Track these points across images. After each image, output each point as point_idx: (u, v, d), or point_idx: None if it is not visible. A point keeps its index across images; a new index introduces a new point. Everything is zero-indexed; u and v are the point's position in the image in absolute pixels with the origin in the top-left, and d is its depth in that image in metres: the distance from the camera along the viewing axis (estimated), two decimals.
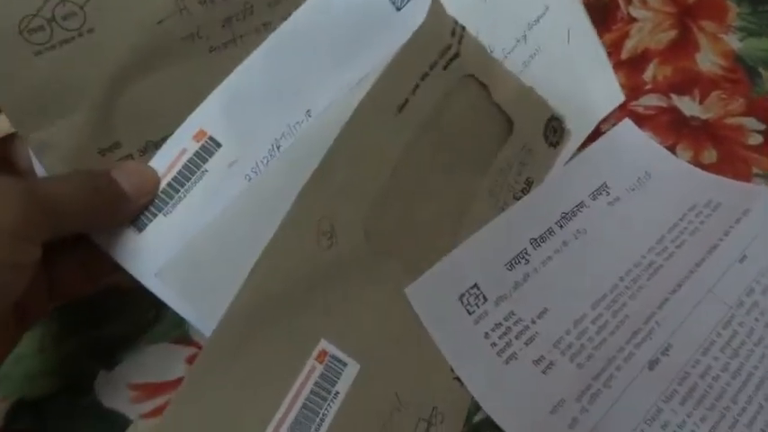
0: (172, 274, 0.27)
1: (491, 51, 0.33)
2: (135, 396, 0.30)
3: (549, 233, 0.33)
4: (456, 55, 0.31)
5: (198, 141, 0.28)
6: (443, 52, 0.30)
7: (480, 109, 0.33)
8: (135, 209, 0.27)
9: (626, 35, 0.43)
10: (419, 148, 0.30)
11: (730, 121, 0.39)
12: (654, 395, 0.28)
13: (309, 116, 0.30)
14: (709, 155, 0.38)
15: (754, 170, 0.37)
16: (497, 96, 0.33)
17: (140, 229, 0.27)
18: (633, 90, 0.40)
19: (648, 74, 0.41)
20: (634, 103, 0.40)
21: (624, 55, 0.42)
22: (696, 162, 0.37)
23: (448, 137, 0.31)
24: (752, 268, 0.32)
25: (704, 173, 0.36)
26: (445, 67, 0.31)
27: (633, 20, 0.44)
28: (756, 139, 0.38)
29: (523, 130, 0.34)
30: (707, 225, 0.33)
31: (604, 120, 0.38)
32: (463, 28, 0.32)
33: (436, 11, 0.30)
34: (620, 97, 0.39)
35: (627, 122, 0.38)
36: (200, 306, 0.27)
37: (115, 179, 0.26)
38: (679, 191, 0.35)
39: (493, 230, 0.32)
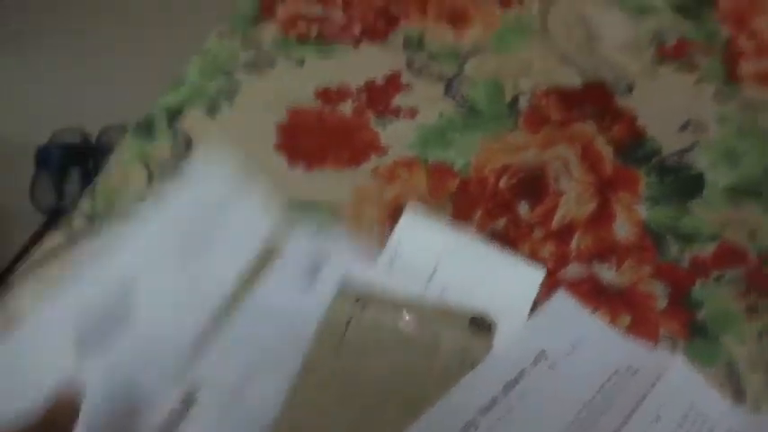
0: None
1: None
2: None
3: (494, 402, 0.37)
4: (365, 306, 0.41)
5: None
6: (354, 306, 0.41)
7: (406, 333, 0.40)
8: None
9: (555, 207, 0.50)
10: (366, 374, 0.38)
11: (641, 287, 0.45)
12: None
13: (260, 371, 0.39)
14: (623, 319, 0.43)
15: (662, 332, 0.43)
16: (414, 318, 0.41)
17: None
18: (561, 259, 0.46)
19: (573, 244, 0.47)
20: (561, 271, 0.46)
21: (554, 226, 0.49)
22: (613, 325, 0.43)
23: (389, 360, 0.39)
24: (665, 426, 0.37)
25: (625, 340, 0.42)
26: (360, 316, 0.40)
27: (561, 193, 0.51)
28: (663, 303, 0.44)
29: (450, 335, 0.40)
30: (628, 388, 0.38)
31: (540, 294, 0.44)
32: (368, 294, 0.42)
33: (341, 291, 0.42)
34: (540, 272, 0.44)
35: (561, 294, 0.43)
36: None
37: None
38: (605, 356, 0.40)
39: (442, 407, 0.36)
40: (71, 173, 1.23)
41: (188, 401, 0.35)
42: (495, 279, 0.43)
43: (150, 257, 0.40)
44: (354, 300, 0.41)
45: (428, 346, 0.39)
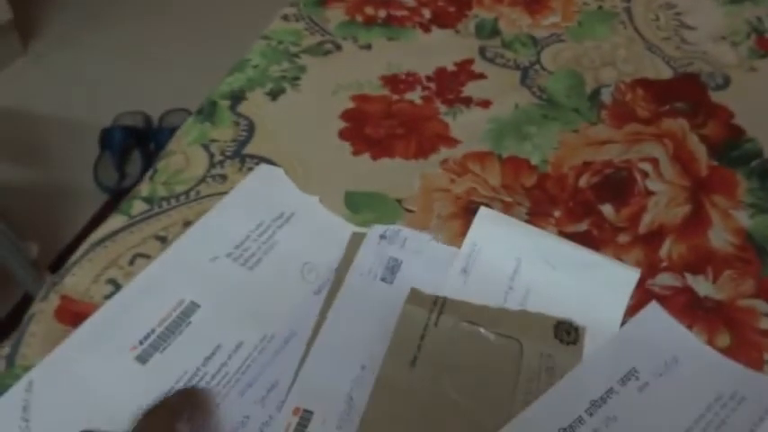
0: None
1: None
2: None
3: (579, 422, 0.33)
4: (441, 312, 0.37)
5: (296, 416, 0.33)
6: (430, 313, 0.37)
7: (485, 342, 0.37)
8: None
9: (643, 209, 0.45)
10: (443, 386, 0.35)
11: (742, 303, 0.40)
12: None
13: (364, 370, 0.35)
14: (723, 339, 0.38)
15: (766, 356, 0.38)
16: (494, 328, 0.37)
17: None
18: (650, 268, 0.41)
19: (664, 251, 0.42)
20: (650, 282, 0.41)
21: (642, 229, 0.44)
22: (711, 345, 0.38)
23: (468, 370, 0.35)
24: None
25: (729, 361, 0.36)
26: (436, 324, 0.37)
27: (650, 193, 0.46)
28: (767, 323, 0.39)
29: (533, 343, 0.36)
30: (732, 419, 0.33)
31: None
32: (444, 298, 0.38)
33: (414, 294, 0.38)
34: (633, 274, 0.39)
35: (654, 306, 0.38)
36: None
37: None
38: (705, 379, 0.35)
39: (519, 424, 0.32)
40: (133, 154, 1.24)
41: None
42: (582, 281, 0.39)
43: (208, 282, 0.39)
44: (430, 305, 0.37)
45: (508, 358, 0.35)
